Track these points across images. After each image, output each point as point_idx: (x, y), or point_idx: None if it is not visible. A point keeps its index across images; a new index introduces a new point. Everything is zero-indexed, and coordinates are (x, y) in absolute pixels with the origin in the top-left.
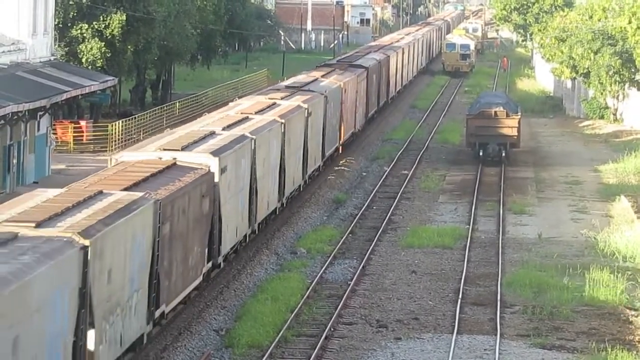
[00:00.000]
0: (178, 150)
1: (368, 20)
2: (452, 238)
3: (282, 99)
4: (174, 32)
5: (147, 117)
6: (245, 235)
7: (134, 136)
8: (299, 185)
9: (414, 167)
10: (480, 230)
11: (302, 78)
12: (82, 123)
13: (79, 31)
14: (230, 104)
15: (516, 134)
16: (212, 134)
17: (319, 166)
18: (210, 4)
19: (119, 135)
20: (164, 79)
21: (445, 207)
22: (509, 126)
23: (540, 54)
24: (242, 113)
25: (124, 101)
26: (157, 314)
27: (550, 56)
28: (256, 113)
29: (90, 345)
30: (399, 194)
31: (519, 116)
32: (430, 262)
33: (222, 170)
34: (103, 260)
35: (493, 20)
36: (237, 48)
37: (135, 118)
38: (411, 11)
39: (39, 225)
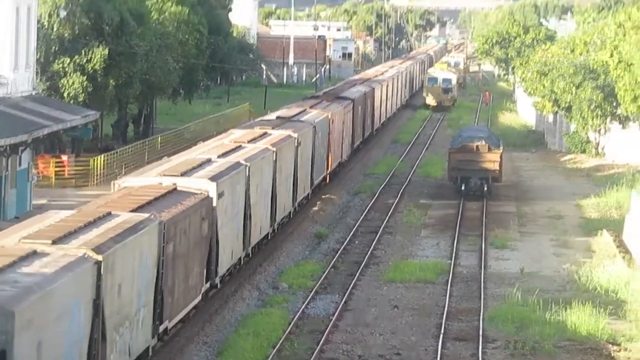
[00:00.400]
0: (178, 176)
1: (350, 54)
2: (434, 273)
3: (272, 128)
4: (156, 66)
5: (129, 152)
6: (239, 258)
7: (116, 171)
8: (289, 212)
9: (396, 201)
10: (462, 265)
11: (291, 109)
12: (64, 158)
13: (60, 65)
14: (224, 133)
15: (498, 168)
16: (208, 161)
17: (308, 194)
18: (192, 38)
19: (100, 170)
20: (146, 114)
21: (427, 242)
22: (491, 160)
23: (522, 87)
24: (235, 142)
25: (105, 135)
26: (161, 328)
27: (532, 90)
28: (249, 142)
29: (103, 354)
30: (381, 228)
31: (501, 150)
32: (412, 296)
33: (220, 195)
34: (114, 275)
35: (475, 54)
36: (219, 82)
37: (117, 153)
38: (393, 45)
39: (55, 242)
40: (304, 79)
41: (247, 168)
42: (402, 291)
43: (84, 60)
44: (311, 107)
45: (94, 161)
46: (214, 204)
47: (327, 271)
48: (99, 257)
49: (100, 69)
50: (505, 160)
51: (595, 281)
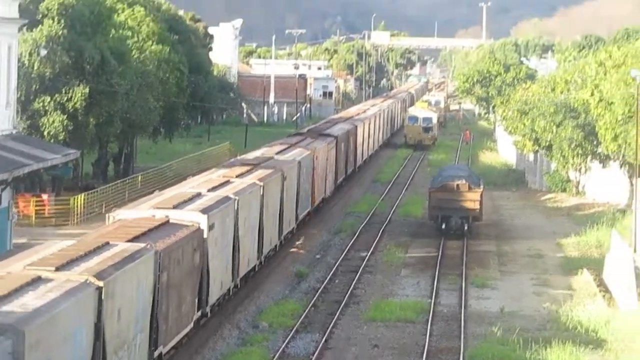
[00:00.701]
0: (170, 208)
1: (330, 93)
2: (415, 312)
3: (259, 164)
4: (136, 105)
5: (109, 191)
6: (229, 289)
7: (96, 209)
8: (275, 245)
9: (377, 240)
10: (442, 304)
11: (275, 146)
12: (44, 196)
13: (41, 104)
14: (213, 169)
15: (478, 207)
16: (198, 194)
17: (293, 228)
18: (173, 77)
19: (81, 209)
20: (127, 152)
21: (407, 281)
22: (472, 199)
23: (503, 126)
24: (224, 177)
25: (86, 174)
26: (156, 354)
27: (513, 129)
28: (237, 177)
29: None
30: (362, 267)
31: (482, 189)
32: (393, 336)
33: (210, 227)
34: (114, 301)
35: (456, 93)
36: (199, 121)
37: (97, 191)
38: (374, 84)
39: (58, 269)
40: (284, 117)
41: (236, 202)
42: (382, 330)
43: (65, 99)
44: (295, 144)
45: (74, 200)
46: (205, 235)
47: (307, 310)
48: (100, 283)
49: (81, 107)
50: (485, 199)
51: (575, 320)
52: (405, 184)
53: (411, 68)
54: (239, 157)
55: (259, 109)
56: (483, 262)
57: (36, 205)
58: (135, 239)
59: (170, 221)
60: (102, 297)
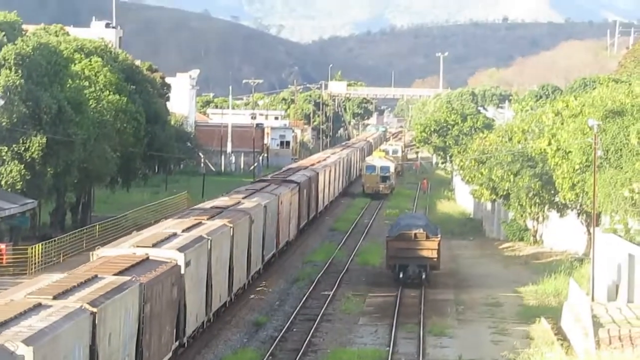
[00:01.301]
0: (149, 247)
1: (288, 142)
2: None
3: (227, 207)
4: (93, 154)
5: (67, 240)
6: (203, 322)
7: (54, 259)
8: (244, 284)
9: (334, 289)
10: (400, 353)
11: (242, 190)
12: (2, 246)
13: None
14: (183, 213)
15: (436, 256)
16: (174, 234)
17: (260, 269)
18: (130, 127)
19: (38, 258)
20: (84, 202)
21: (365, 329)
22: (429, 248)
23: (460, 175)
24: (195, 219)
25: (43, 224)
26: None
27: (470, 178)
28: (208, 219)
29: None
30: (320, 316)
31: (439, 238)
32: None
33: (187, 264)
34: (105, 326)
35: (413, 142)
36: (157, 170)
37: (55, 241)
38: (331, 133)
39: (55, 297)
40: (242, 167)
41: (209, 242)
42: None
43: (22, 149)
44: (261, 189)
45: (32, 249)
46: (182, 271)
47: (265, 359)
48: (94, 309)
49: (38, 157)
50: (443, 248)
51: None
52: (362, 232)
53: (368, 118)
54: (206, 203)
55: (216, 158)
56: (441, 311)
57: None
58: (120, 273)
59: (150, 258)
60: (96, 322)
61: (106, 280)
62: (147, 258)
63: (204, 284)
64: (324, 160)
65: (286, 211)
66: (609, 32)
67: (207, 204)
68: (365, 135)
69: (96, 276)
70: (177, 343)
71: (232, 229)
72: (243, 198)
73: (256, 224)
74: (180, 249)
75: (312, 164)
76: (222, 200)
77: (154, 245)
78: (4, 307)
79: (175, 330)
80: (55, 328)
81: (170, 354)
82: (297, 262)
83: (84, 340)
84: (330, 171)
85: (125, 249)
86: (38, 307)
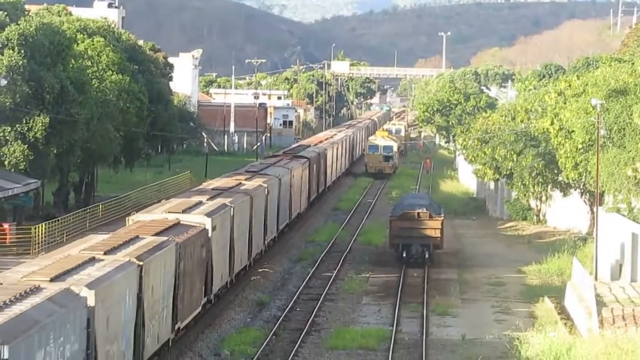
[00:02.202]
0: (180, 212)
1: (291, 122)
2: (376, 340)
3: (245, 180)
4: (96, 134)
5: (70, 220)
6: (227, 282)
7: (57, 239)
8: (261, 250)
9: (338, 268)
10: (403, 332)
11: (257, 164)
12: (5, 226)
13: (1, 134)
14: (204, 183)
15: (439, 235)
16: (200, 202)
17: (275, 237)
18: (132, 107)
19: (42, 238)
20: (87, 182)
21: (368, 309)
22: (432, 227)
23: (463, 155)
24: (215, 189)
25: (47, 204)
26: (176, 327)
27: (473, 157)
28: (228, 190)
29: (142, 336)
30: (323, 295)
31: (442, 217)
32: None
33: (214, 228)
34: (149, 278)
35: (416, 122)
36: (160, 150)
37: (58, 220)
38: (334, 113)
39: (106, 252)
40: (244, 147)
41: (232, 209)
42: (343, 358)
43: (25, 129)
44: (274, 163)
45: (35, 229)
46: (210, 234)
47: (268, 338)
48: (141, 263)
49: (41, 137)
50: (446, 228)
51: (537, 348)
52: (366, 212)
53: (371, 97)
54: (223, 176)
55: (219, 138)
56: (444, 290)
57: None
58: (157, 234)
59: (181, 222)
60: (142, 274)
61: (147, 240)
62: (179, 222)
63: (228, 247)
64: (332, 137)
65: (297, 185)
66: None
67: (225, 177)
68: (370, 114)
69: (137, 236)
70: (205, 299)
71: (251, 198)
72: (258, 171)
73: (271, 195)
74: (208, 215)
75: (320, 141)
76: (238, 174)
77: (184, 211)
78: (65, 260)
79: (204, 287)
80: (110, 277)
81: (200, 308)
82: (300, 242)
83: (133, 289)
84: (337, 148)
85: (158, 214)
86: (92, 260)
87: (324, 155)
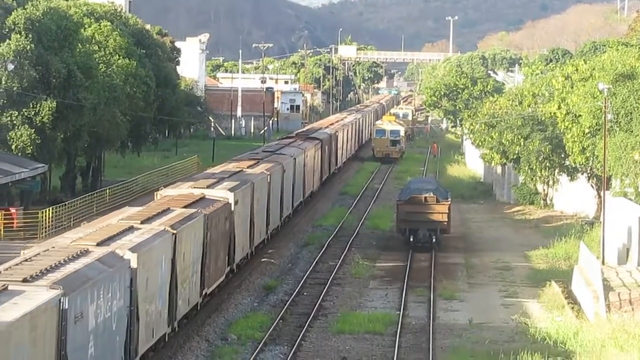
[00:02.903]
0: (204, 188)
1: (298, 107)
2: (383, 324)
3: (263, 159)
4: (103, 119)
5: (77, 204)
6: (247, 254)
7: (65, 223)
8: (277, 226)
9: (344, 253)
10: (410, 316)
11: (273, 144)
12: (12, 210)
13: (8, 118)
14: (226, 162)
15: (446, 219)
16: (222, 178)
17: (290, 214)
18: (140, 91)
19: (49, 222)
20: (94, 166)
21: (375, 293)
22: (439, 212)
23: (470, 139)
24: (236, 167)
25: (54, 188)
26: (204, 292)
27: (480, 142)
28: (248, 167)
29: (175, 298)
30: (330, 280)
31: (449, 202)
32: (361, 348)
33: (236, 202)
34: (181, 246)
35: (423, 106)
36: (167, 135)
37: (65, 205)
38: (341, 97)
39: (143, 222)
40: (252, 131)
41: (252, 184)
42: (351, 342)
43: (32, 113)
44: (289, 144)
45: (42, 213)
46: (232, 208)
47: (275, 322)
48: (174, 231)
49: (49, 121)
50: (453, 212)
51: (544, 332)
52: (373, 196)
53: (378, 82)
54: (242, 155)
55: (226, 122)
56: (451, 275)
57: (4, 219)
58: (185, 207)
59: (206, 197)
60: (176, 242)
61: (177, 211)
62: (204, 197)
63: (248, 221)
64: (342, 120)
65: (310, 165)
66: None
67: (244, 156)
68: (378, 98)
69: (169, 208)
70: (228, 268)
71: (269, 176)
72: (275, 151)
73: (287, 173)
74: (231, 189)
75: (332, 124)
76: (255, 153)
77: (208, 187)
78: (106, 228)
79: (227, 257)
80: (149, 242)
81: (224, 276)
82: (307, 227)
83: (168, 254)
84: (347, 130)
85: (184, 189)
86: (131, 228)
87: (335, 137)
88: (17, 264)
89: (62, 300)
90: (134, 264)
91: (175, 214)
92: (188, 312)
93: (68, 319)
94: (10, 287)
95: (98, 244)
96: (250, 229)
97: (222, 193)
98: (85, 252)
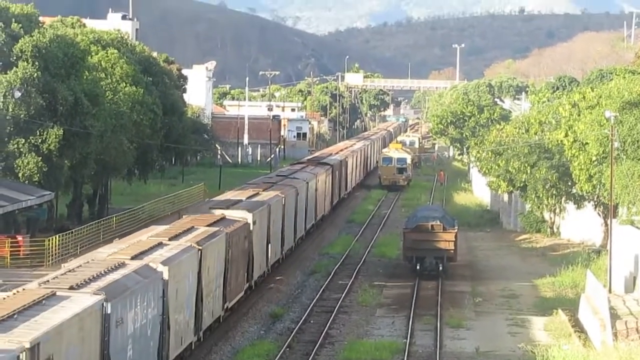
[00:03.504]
0: (224, 208)
1: (305, 134)
2: (390, 352)
3: (277, 182)
4: (110, 146)
5: (84, 232)
6: (264, 272)
7: (71, 251)
8: (291, 247)
9: (351, 281)
10: (417, 345)
11: (286, 169)
12: (19, 238)
13: (15, 146)
14: (243, 185)
15: (453, 247)
16: (241, 200)
17: (302, 235)
18: (146, 119)
19: (56, 250)
20: (101, 193)
21: (382, 321)
22: (446, 240)
23: (477, 167)
24: (253, 190)
25: (60, 215)
26: (226, 306)
27: (487, 170)
28: (263, 190)
29: (201, 310)
30: (337, 307)
31: (456, 230)
32: None
33: (254, 222)
34: (206, 261)
35: (430, 134)
36: (173, 162)
37: (72, 233)
38: (348, 125)
39: (170, 239)
40: (258, 159)
41: (269, 206)
42: None
43: (39, 141)
44: (301, 169)
45: (49, 241)
46: (251, 228)
47: (282, 350)
48: (200, 247)
49: (55, 149)
50: (460, 240)
51: None
52: (379, 224)
53: (385, 109)
54: (257, 179)
55: (233, 150)
56: (458, 303)
57: (11, 247)
58: (208, 225)
59: (226, 217)
60: (202, 257)
61: (201, 230)
62: (224, 217)
63: (265, 240)
64: (351, 146)
65: (322, 189)
66: (625, 23)
67: (259, 180)
68: (386, 125)
69: (193, 227)
70: (247, 284)
71: (284, 198)
72: (288, 175)
73: (300, 196)
74: (249, 210)
75: (341, 150)
76: (270, 177)
77: (228, 207)
78: (138, 243)
79: (246, 274)
80: (178, 257)
81: (243, 292)
82: (314, 255)
83: (194, 268)
84: (356, 156)
85: (204, 211)
86: (160, 244)
87: (345, 163)
88: (62, 274)
89: (104, 305)
90: (165, 276)
91: (199, 232)
92: (212, 324)
93: (110, 323)
94: (58, 293)
95: (132, 258)
96: (266, 248)
97: (241, 213)
98: (121, 265)
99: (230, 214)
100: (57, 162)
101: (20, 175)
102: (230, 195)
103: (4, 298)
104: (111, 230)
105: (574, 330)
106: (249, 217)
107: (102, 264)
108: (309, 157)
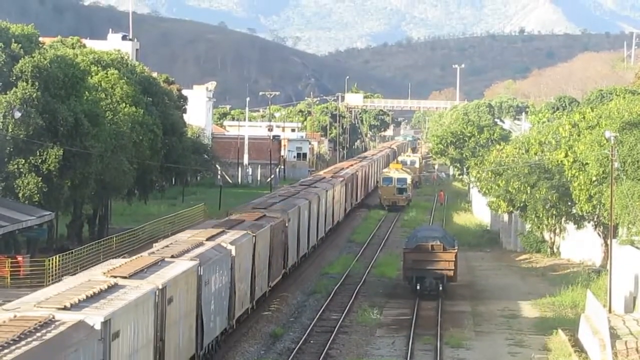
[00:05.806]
0: (264, 209)
1: (305, 154)
2: None
3: (301, 190)
4: (110, 167)
5: (84, 252)
6: (294, 263)
7: (71, 271)
8: (314, 245)
9: (351, 301)
10: None
11: (307, 180)
12: (19, 258)
13: (15, 166)
14: (274, 192)
15: (453, 267)
16: (274, 202)
17: (323, 235)
18: (146, 139)
19: (56, 270)
20: (101, 214)
21: (382, 341)
22: (446, 260)
23: (477, 187)
24: (282, 195)
25: (61, 236)
26: (269, 285)
27: (487, 190)
28: (291, 196)
29: (233, 300)
30: (336, 328)
31: (456, 250)
32: None
33: (289, 220)
34: (258, 245)
35: (429, 154)
36: (173, 182)
37: (72, 253)
38: (348, 145)
39: (208, 239)
40: (258, 179)
41: (299, 208)
42: None
43: (39, 161)
44: (320, 180)
45: (49, 261)
46: (287, 224)
47: None
48: (254, 234)
49: (55, 169)
50: (460, 260)
51: None
52: (379, 244)
53: (385, 129)
54: (281, 188)
55: (233, 170)
56: (458, 323)
57: (11, 267)
58: (255, 220)
59: (267, 215)
60: (256, 242)
61: (251, 222)
62: (264, 215)
63: (296, 237)
64: (358, 163)
65: (337, 197)
66: (625, 43)
67: (284, 187)
68: (390, 143)
69: (244, 220)
70: (284, 270)
71: (309, 202)
72: (309, 185)
73: (321, 202)
74: (285, 209)
75: (351, 165)
76: (294, 186)
77: (266, 208)
78: (208, 230)
79: (283, 262)
80: (240, 240)
81: (280, 276)
82: (314, 275)
83: (250, 251)
84: (365, 170)
85: (248, 209)
86: (223, 232)
87: (356, 176)
88: (160, 249)
89: (199, 268)
90: (233, 253)
91: (250, 223)
92: (259, 298)
93: (202, 282)
94: (166, 259)
95: (207, 239)
96: (298, 244)
97: (278, 213)
98: (201, 244)
99: (270, 214)
100: (57, 183)
101: (20, 195)
102: (266, 198)
103: (131, 260)
104: (111, 251)
105: (574, 350)
106: (284, 216)
107: (188, 242)
108: (325, 171)
